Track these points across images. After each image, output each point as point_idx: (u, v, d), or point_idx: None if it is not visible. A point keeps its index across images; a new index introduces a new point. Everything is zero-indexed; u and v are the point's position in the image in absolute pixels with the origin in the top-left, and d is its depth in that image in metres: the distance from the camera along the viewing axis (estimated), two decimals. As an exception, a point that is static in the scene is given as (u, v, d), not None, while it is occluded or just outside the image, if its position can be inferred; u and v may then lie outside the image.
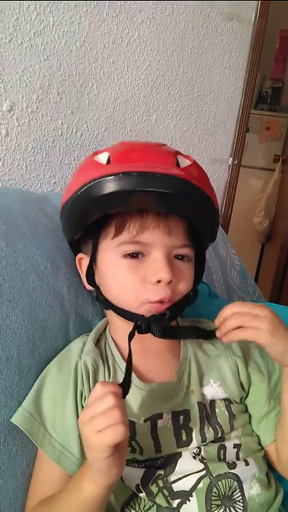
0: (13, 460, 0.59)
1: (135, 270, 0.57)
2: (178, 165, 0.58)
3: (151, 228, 0.57)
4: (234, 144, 1.36)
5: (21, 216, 0.71)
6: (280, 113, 2.52)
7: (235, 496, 0.55)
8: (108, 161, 0.58)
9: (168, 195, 0.53)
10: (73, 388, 0.58)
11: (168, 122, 1.19)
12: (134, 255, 0.58)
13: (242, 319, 0.54)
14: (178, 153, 0.61)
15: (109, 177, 0.53)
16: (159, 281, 0.56)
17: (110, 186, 0.53)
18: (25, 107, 0.92)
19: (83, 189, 0.56)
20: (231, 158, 1.37)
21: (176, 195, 0.54)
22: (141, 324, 0.57)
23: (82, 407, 0.58)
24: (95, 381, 0.59)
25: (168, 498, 0.53)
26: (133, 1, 1.02)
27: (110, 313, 0.64)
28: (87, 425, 0.46)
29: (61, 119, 0.98)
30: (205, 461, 0.56)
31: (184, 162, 0.59)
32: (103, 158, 0.59)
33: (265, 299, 1.08)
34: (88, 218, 0.58)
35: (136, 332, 0.56)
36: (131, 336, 0.56)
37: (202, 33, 1.17)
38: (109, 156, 0.59)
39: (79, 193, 0.56)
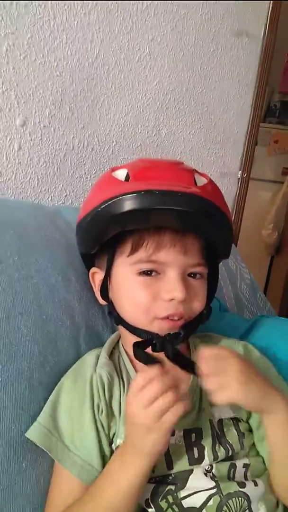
0: (23, 475, 0.59)
1: (149, 288, 0.58)
2: (195, 183, 0.59)
3: (167, 247, 0.57)
4: (243, 158, 1.37)
5: (33, 230, 0.72)
6: (289, 126, 2.53)
7: (245, 516, 0.54)
8: (127, 178, 0.59)
9: (187, 213, 0.54)
10: (89, 401, 0.58)
11: (178, 136, 1.20)
12: (148, 273, 0.58)
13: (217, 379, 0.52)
14: (195, 171, 0.62)
15: (130, 195, 0.54)
16: (172, 299, 0.57)
17: (131, 204, 0.54)
18: (38, 122, 0.94)
19: (103, 206, 0.56)
20: (240, 171, 1.37)
21: (195, 213, 0.55)
22: (156, 343, 0.57)
23: (100, 420, 0.57)
24: (111, 395, 0.59)
25: None
26: (144, 18, 1.04)
27: (122, 328, 0.64)
28: (146, 415, 0.48)
29: (72, 134, 1.00)
30: (216, 479, 0.55)
31: (201, 180, 0.60)
32: (121, 174, 0.60)
33: (275, 313, 1.07)
34: (107, 234, 0.59)
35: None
36: (138, 346, 0.57)
37: (212, 49, 1.19)
38: (127, 173, 0.59)
39: (99, 209, 0.57)
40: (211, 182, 0.61)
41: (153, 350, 0.58)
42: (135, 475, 0.51)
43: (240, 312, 0.94)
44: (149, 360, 0.54)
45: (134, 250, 0.58)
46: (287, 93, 2.52)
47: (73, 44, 0.95)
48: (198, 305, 0.60)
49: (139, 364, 0.63)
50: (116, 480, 0.51)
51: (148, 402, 0.48)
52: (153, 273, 0.58)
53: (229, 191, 1.37)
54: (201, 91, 1.21)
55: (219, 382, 0.51)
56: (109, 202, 0.55)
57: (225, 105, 1.28)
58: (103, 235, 0.59)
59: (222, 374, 0.52)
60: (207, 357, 0.53)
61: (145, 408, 0.48)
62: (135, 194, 0.54)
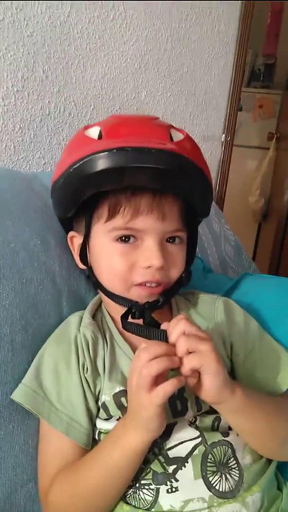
0: (10, 437, 0.59)
1: (127, 255, 0.57)
2: (171, 139, 0.57)
3: (144, 214, 0.56)
4: (226, 121, 1.34)
5: (9, 194, 0.70)
6: (273, 90, 2.49)
7: (231, 464, 0.55)
8: (100, 136, 0.57)
9: (163, 170, 0.53)
10: (75, 360, 0.58)
11: (158, 99, 1.17)
12: (126, 240, 0.58)
13: (189, 342, 0.49)
14: (171, 126, 0.60)
15: (102, 153, 0.52)
16: (149, 267, 0.56)
17: (104, 163, 0.52)
18: (11, 86, 0.90)
19: (75, 166, 0.54)
20: (223, 135, 1.35)
21: (172, 171, 0.53)
22: (135, 311, 0.58)
23: (86, 378, 0.58)
24: (95, 353, 0.59)
25: (164, 464, 0.53)
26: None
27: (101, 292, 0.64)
28: (137, 386, 0.48)
29: (48, 98, 0.96)
30: (200, 429, 0.56)
31: (178, 136, 0.59)
32: (94, 132, 0.58)
33: (261, 273, 1.07)
34: (81, 196, 0.57)
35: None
36: (124, 317, 0.57)
37: (190, 5, 1.14)
38: (100, 131, 0.57)
39: (71, 170, 0.55)
40: (188, 137, 0.60)
41: (132, 317, 0.58)
42: (139, 441, 0.51)
43: (225, 272, 0.94)
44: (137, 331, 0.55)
45: (111, 216, 0.57)
46: (270, 55, 2.47)
47: (42, 1, 0.90)
48: (175, 272, 0.60)
49: (120, 326, 0.63)
50: (121, 445, 0.52)
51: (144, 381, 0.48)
52: (131, 239, 0.58)
53: (213, 156, 1.35)
54: (180, 51, 1.17)
55: (197, 361, 0.49)
56: (80, 162, 0.54)
57: (206, 66, 1.25)
58: (78, 197, 0.58)
59: (200, 353, 0.49)
60: (186, 331, 0.50)
61: (139, 374, 0.48)
62: (106, 152, 0.52)
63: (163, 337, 0.51)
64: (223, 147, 1.36)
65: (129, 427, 0.51)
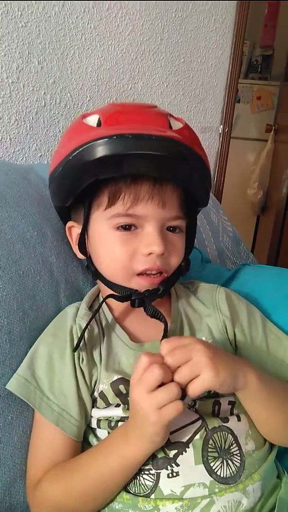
0: (9, 427, 0.59)
1: (127, 243, 0.57)
2: (170, 127, 0.57)
3: (144, 201, 0.56)
4: (224, 111, 1.33)
5: (4, 186, 0.69)
6: (271, 81, 2.48)
7: (233, 450, 0.55)
8: (99, 124, 0.56)
9: (163, 157, 0.52)
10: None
11: (155, 89, 1.16)
12: (126, 227, 0.57)
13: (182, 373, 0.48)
14: (169, 114, 0.59)
15: (101, 140, 0.52)
16: (150, 254, 0.56)
17: (103, 150, 0.51)
18: (5, 77, 0.90)
19: (74, 153, 0.54)
20: (221, 126, 1.34)
21: (172, 158, 0.53)
22: (135, 299, 0.57)
23: (81, 368, 0.57)
24: (91, 344, 0.59)
25: (165, 448, 0.53)
26: None
27: (100, 282, 0.64)
28: (146, 402, 0.46)
29: (43, 89, 0.96)
30: (199, 413, 0.56)
31: (176, 124, 0.58)
32: (93, 120, 0.57)
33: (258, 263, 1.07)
34: (80, 184, 0.57)
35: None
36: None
37: (186, -5, 1.13)
38: (99, 118, 0.57)
39: (70, 157, 0.54)
40: (187, 126, 0.59)
41: (132, 306, 0.58)
42: (139, 452, 0.50)
43: (223, 263, 0.94)
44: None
45: (111, 203, 0.57)
46: (267, 47, 2.46)
47: (37, -9, 0.89)
48: (175, 260, 0.59)
49: (119, 315, 0.63)
50: (121, 454, 0.51)
51: (150, 387, 0.46)
52: (132, 228, 0.57)
53: (211, 147, 1.35)
54: (176, 40, 1.16)
55: (189, 373, 0.47)
56: (80, 149, 0.53)
57: (203, 56, 1.23)
58: (77, 185, 0.57)
59: (190, 363, 0.48)
60: (169, 350, 0.48)
61: (147, 393, 0.46)
62: (106, 139, 0.52)
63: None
64: (221, 138, 1.35)
65: (131, 437, 0.50)
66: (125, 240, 0.57)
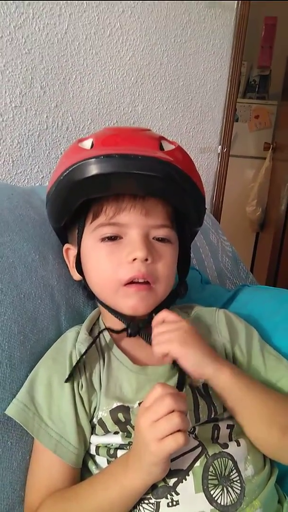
0: (9, 453, 0.59)
1: (112, 254, 0.58)
2: (162, 149, 0.58)
3: (127, 209, 0.57)
4: (223, 132, 1.36)
5: (6, 209, 0.70)
6: (269, 100, 2.52)
7: (233, 476, 0.54)
8: (92, 146, 0.58)
9: (149, 177, 0.53)
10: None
11: (154, 112, 1.18)
12: (112, 238, 0.58)
13: (164, 335, 0.56)
14: (162, 138, 0.61)
15: (90, 160, 0.53)
16: (134, 260, 0.56)
17: (91, 169, 0.53)
18: (9, 102, 0.92)
19: (65, 173, 0.56)
20: (220, 147, 1.36)
21: (158, 178, 0.54)
22: (130, 332, 0.60)
23: (80, 395, 0.57)
24: (91, 370, 0.59)
25: (165, 477, 0.53)
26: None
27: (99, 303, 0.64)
28: (149, 431, 0.47)
29: (45, 113, 0.98)
30: (199, 440, 0.55)
31: (168, 147, 0.59)
32: (87, 144, 0.59)
33: (259, 284, 1.07)
34: (72, 204, 0.58)
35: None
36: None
37: (185, 21, 1.16)
38: (92, 142, 0.59)
39: (61, 177, 0.56)
40: (179, 148, 0.61)
41: (128, 335, 0.60)
42: (139, 483, 0.50)
43: (222, 284, 0.95)
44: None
45: (95, 216, 0.58)
46: (265, 67, 2.50)
47: (40, 19, 0.92)
48: (163, 268, 0.59)
49: (119, 338, 0.63)
50: (121, 484, 0.51)
51: (157, 417, 0.47)
52: (117, 238, 0.58)
53: (209, 167, 1.36)
54: (176, 64, 1.19)
55: (163, 340, 0.55)
56: (69, 169, 0.55)
57: (201, 79, 1.26)
58: (68, 205, 0.59)
59: (168, 333, 0.55)
60: (159, 320, 0.57)
61: (152, 422, 0.47)
62: (94, 159, 0.53)
63: None
64: (220, 158, 1.37)
65: (131, 467, 0.50)
66: (110, 252, 0.58)
